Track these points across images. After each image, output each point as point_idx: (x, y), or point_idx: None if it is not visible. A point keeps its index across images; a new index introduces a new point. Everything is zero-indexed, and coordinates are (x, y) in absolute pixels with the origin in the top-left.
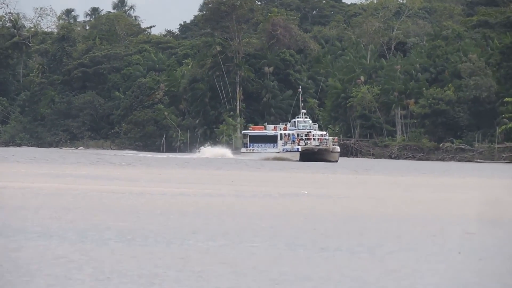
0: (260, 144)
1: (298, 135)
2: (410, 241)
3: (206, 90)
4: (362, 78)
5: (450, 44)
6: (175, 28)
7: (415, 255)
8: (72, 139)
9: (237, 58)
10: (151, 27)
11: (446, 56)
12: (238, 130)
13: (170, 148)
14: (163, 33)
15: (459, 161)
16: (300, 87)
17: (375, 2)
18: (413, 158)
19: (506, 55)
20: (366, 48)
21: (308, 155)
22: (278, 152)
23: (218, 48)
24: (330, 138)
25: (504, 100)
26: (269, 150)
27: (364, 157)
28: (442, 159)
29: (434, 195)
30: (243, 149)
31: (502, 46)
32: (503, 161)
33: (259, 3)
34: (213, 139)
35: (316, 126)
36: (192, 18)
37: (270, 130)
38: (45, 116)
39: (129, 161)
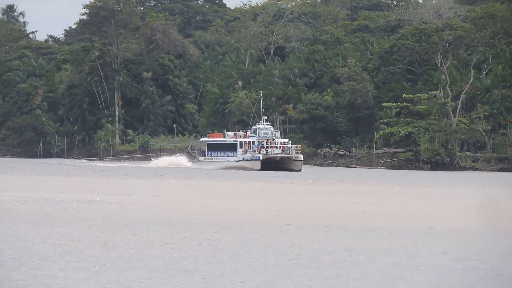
0: (218, 153)
1: (259, 142)
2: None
3: (84, 96)
4: (240, 83)
5: (329, 49)
6: (60, 33)
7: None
8: None
9: (115, 63)
10: (33, 32)
11: (325, 61)
12: (117, 136)
13: (48, 154)
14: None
15: (337, 166)
16: (261, 92)
17: (258, 5)
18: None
19: (384, 60)
20: (246, 53)
21: (270, 164)
22: (238, 161)
23: (97, 53)
24: (293, 146)
25: (382, 105)
26: (228, 159)
27: None
28: (320, 165)
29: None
30: (201, 158)
31: (381, 50)
32: (381, 167)
33: (141, 7)
34: (91, 145)
35: (278, 134)
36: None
37: (229, 137)
38: None
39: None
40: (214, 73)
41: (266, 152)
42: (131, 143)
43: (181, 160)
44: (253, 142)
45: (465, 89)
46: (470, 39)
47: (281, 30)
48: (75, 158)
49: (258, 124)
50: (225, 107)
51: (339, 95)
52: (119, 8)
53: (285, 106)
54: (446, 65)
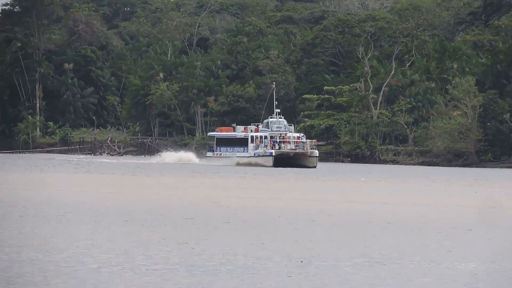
0: (228, 148)
1: (271, 137)
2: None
3: (5, 87)
4: (161, 75)
5: (252, 40)
6: None
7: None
8: None
9: (37, 54)
10: None
11: (248, 53)
12: (38, 128)
13: None
14: None
15: None
16: (274, 83)
17: None
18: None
19: (307, 52)
20: (169, 45)
21: (283, 160)
22: (249, 157)
23: (18, 44)
24: (308, 141)
25: (303, 97)
26: (238, 155)
27: None
28: None
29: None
30: (209, 154)
31: (303, 42)
32: None
33: None
34: (11, 137)
35: (292, 128)
36: None
37: (239, 131)
38: None
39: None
40: (137, 65)
41: (279, 148)
42: (52, 136)
43: (189, 156)
44: (265, 137)
45: (387, 81)
46: (393, 30)
47: (206, 21)
48: None
49: (271, 118)
50: (146, 99)
51: (261, 87)
52: None
53: (206, 98)
54: (368, 57)
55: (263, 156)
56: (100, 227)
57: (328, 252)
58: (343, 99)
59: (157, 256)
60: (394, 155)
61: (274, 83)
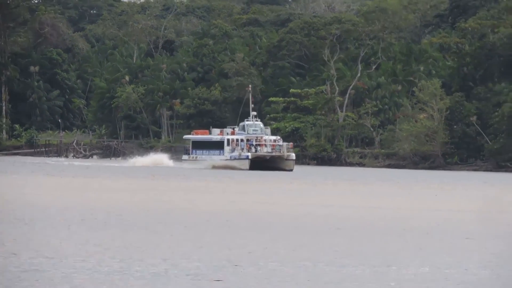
0: (204, 151)
1: (247, 140)
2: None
3: None
4: (127, 77)
5: (218, 43)
6: None
7: None
8: None
9: (3, 57)
10: None
11: (213, 55)
12: (4, 131)
13: None
14: None
15: None
16: (250, 86)
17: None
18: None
19: (273, 54)
20: (135, 47)
21: (259, 163)
22: (225, 160)
23: None
24: (285, 144)
25: (269, 99)
26: (214, 158)
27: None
28: None
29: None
30: (185, 156)
31: (269, 45)
32: None
33: (35, 1)
34: None
35: (268, 130)
36: None
37: (215, 134)
38: None
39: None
40: (103, 68)
41: (255, 151)
42: (18, 138)
43: (163, 159)
44: (241, 140)
45: (353, 84)
46: (359, 33)
47: (172, 23)
48: None
49: (247, 121)
50: (112, 102)
51: (227, 90)
52: (7, 1)
53: (172, 101)
54: (334, 60)
55: (239, 159)
56: (43, 229)
57: (270, 255)
58: (309, 101)
59: (91, 259)
60: (360, 157)
61: (250, 85)
